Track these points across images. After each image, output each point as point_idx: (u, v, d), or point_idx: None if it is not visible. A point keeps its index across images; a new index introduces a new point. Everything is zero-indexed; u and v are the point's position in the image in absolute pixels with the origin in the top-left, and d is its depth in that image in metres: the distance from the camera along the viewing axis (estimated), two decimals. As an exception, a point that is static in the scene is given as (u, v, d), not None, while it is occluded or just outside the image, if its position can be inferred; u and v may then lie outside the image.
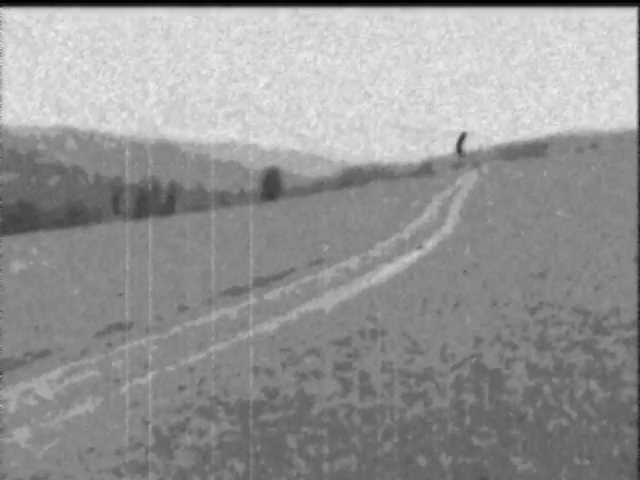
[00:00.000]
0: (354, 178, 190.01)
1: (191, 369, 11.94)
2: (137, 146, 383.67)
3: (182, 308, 18.67)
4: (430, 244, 28.97)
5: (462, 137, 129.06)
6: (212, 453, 7.90)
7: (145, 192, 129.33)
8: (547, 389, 8.80)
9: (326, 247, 30.05)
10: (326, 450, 7.58)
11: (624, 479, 6.17)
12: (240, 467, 7.41)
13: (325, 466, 7.15)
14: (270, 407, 9.27)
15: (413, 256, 25.43)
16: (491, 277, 18.55)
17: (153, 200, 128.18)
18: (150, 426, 9.10)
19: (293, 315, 16.04)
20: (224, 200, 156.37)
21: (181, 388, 10.79)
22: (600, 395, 8.30)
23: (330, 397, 9.42)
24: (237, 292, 20.66)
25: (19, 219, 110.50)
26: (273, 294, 19.70)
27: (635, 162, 60.77)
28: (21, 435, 9.28)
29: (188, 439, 8.44)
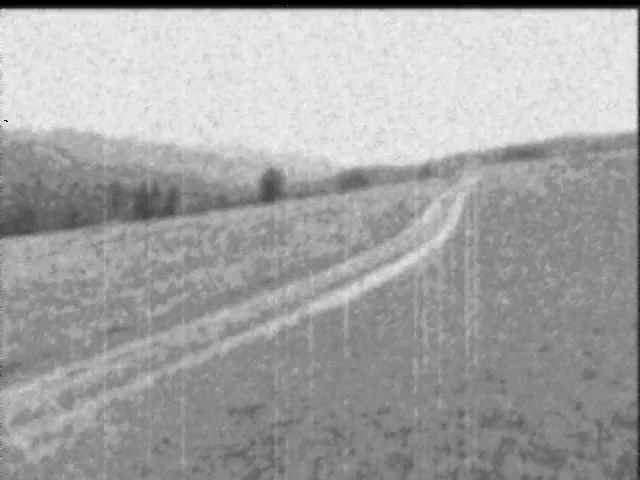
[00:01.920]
0: (353, 180, 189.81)
1: (192, 370, 11.90)
2: (137, 148, 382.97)
3: (183, 309, 18.63)
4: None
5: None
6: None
7: (145, 194, 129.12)
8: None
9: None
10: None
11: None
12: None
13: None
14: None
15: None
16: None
17: (154, 202, 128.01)
18: (152, 427, 9.05)
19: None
20: (224, 202, 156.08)
21: (182, 389, 10.75)
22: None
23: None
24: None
25: (18, 221, 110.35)
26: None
27: (635, 165, 60.71)
28: (21, 437, 9.23)
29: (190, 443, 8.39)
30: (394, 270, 22.32)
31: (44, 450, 8.69)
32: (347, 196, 73.91)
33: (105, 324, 17.45)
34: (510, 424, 7.26)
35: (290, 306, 17.40)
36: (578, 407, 7.60)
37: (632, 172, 54.74)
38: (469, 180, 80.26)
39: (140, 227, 62.32)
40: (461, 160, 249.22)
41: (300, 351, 12.15)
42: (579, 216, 33.92)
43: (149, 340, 15.02)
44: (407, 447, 6.99)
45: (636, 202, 36.15)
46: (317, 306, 17.03)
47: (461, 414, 7.68)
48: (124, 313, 18.90)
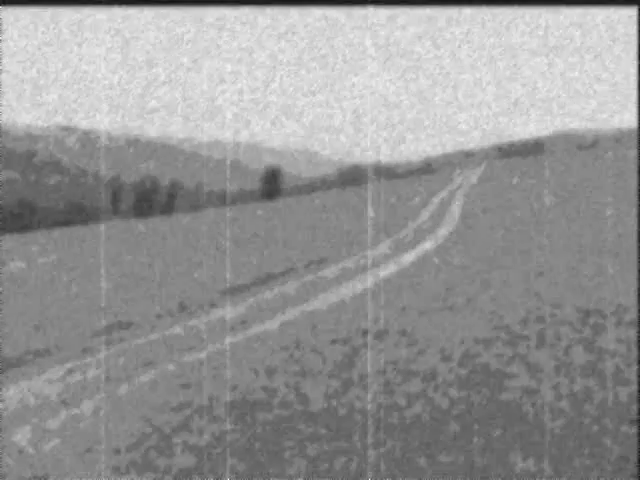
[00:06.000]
0: (353, 177, 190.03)
1: (192, 367, 11.93)
2: (137, 144, 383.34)
3: (182, 307, 18.66)
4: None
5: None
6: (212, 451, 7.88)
7: (145, 191, 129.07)
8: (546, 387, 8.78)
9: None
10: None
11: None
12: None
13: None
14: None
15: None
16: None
17: (153, 199, 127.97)
18: (150, 425, 9.08)
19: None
20: (224, 199, 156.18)
21: (182, 386, 10.79)
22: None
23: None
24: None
25: (19, 218, 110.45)
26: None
27: (635, 161, 60.72)
28: (21, 435, 9.27)
29: (189, 438, 8.42)
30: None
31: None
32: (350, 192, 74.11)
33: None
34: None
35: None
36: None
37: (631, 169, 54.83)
38: (469, 178, 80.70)
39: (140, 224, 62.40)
40: (460, 157, 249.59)
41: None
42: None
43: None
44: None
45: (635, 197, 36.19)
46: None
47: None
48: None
